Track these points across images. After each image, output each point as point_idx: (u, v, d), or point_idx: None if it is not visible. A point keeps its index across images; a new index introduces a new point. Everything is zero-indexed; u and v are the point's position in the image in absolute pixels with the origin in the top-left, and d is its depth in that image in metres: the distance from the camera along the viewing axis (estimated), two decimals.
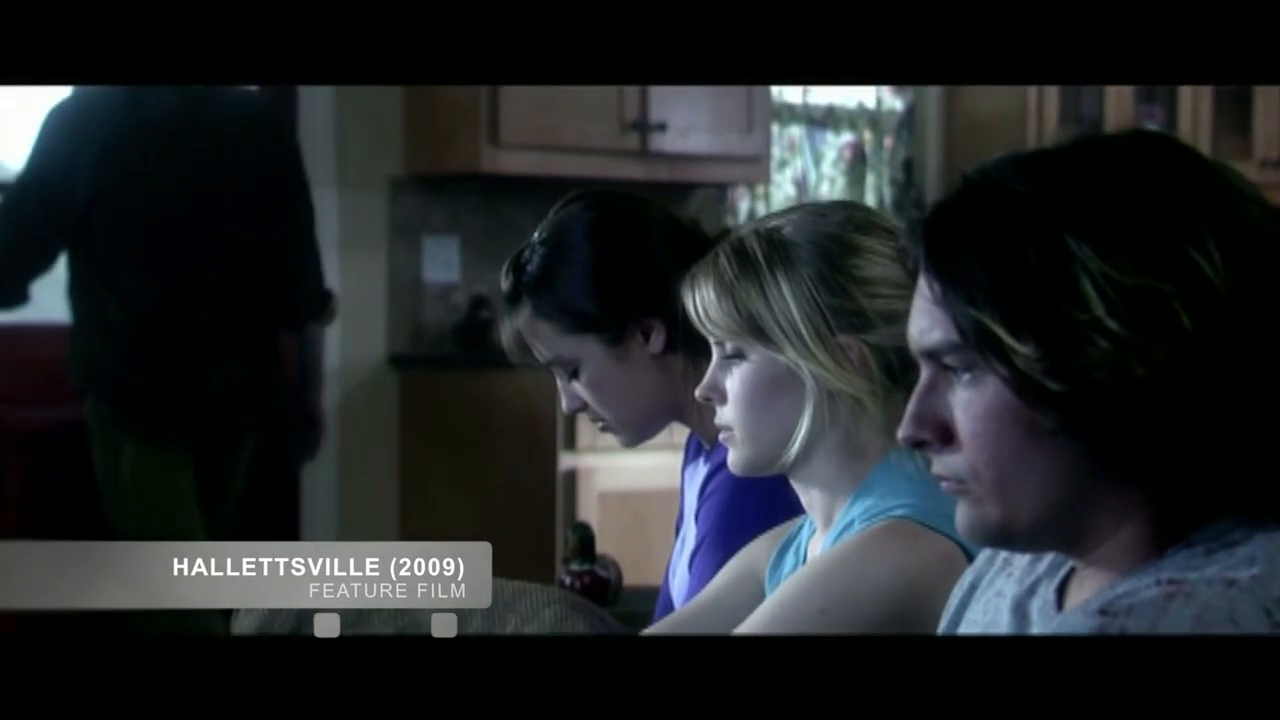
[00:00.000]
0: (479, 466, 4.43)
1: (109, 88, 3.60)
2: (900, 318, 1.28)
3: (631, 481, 4.24)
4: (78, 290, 3.52)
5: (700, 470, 1.94)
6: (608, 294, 1.94)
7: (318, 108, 4.44)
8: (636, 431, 1.98)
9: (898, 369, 1.54)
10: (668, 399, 1.95)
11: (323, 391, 3.84)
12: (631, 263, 1.95)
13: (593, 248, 1.95)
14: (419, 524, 4.58)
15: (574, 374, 1.96)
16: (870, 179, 5.52)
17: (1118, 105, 5.57)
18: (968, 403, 1.16)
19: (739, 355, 1.60)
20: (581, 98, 4.55)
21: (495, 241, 4.76)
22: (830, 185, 5.46)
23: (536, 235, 1.99)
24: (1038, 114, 5.42)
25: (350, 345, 4.52)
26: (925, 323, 1.18)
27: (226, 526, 3.70)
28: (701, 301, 1.62)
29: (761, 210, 5.31)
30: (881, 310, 1.56)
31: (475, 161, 4.45)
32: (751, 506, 1.76)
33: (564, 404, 2.00)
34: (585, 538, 2.28)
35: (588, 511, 4.25)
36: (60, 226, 3.44)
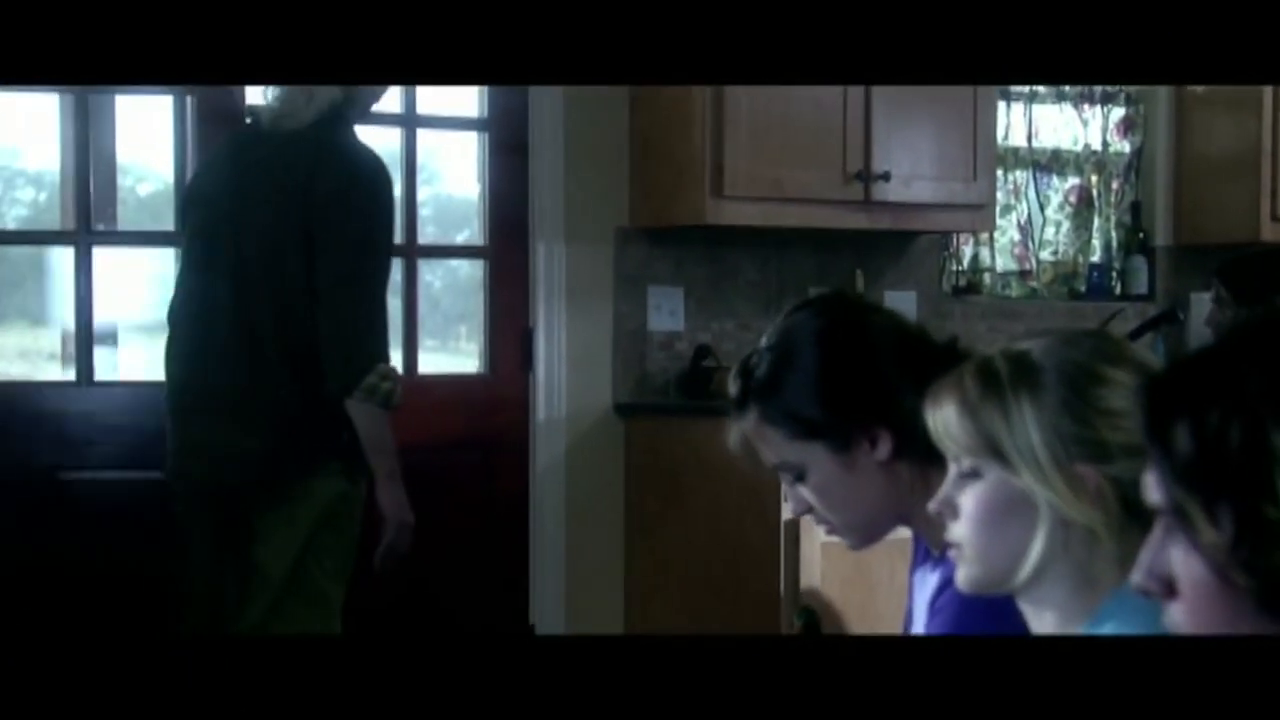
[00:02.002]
0: (702, 514, 4.48)
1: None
2: (1142, 452, 1.29)
3: None
4: None
5: (930, 578, 1.96)
6: (834, 401, 1.96)
7: (546, 163, 4.54)
8: (862, 536, 2.01)
9: (1135, 503, 1.52)
10: (894, 505, 1.97)
11: (385, 483, 3.40)
12: (858, 371, 1.97)
13: (820, 355, 1.97)
14: (643, 570, 4.65)
15: (800, 478, 2.00)
16: (1096, 223, 5.45)
17: None
18: (1185, 566, 1.17)
19: (975, 474, 1.61)
20: (804, 148, 4.57)
21: (719, 291, 4.82)
22: (1056, 229, 5.42)
23: (764, 341, 2.03)
24: (1271, 154, 5.30)
25: (577, 393, 4.61)
26: (1150, 480, 1.20)
27: (253, 609, 3.38)
28: (943, 419, 1.63)
29: (985, 256, 5.28)
30: (1123, 443, 1.55)
31: (700, 213, 4.50)
32: (979, 626, 1.78)
33: (790, 507, 2.03)
34: (810, 624, 2.32)
35: (810, 561, 4.26)
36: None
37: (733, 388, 2.03)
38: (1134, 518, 1.54)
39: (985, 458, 1.60)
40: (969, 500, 1.62)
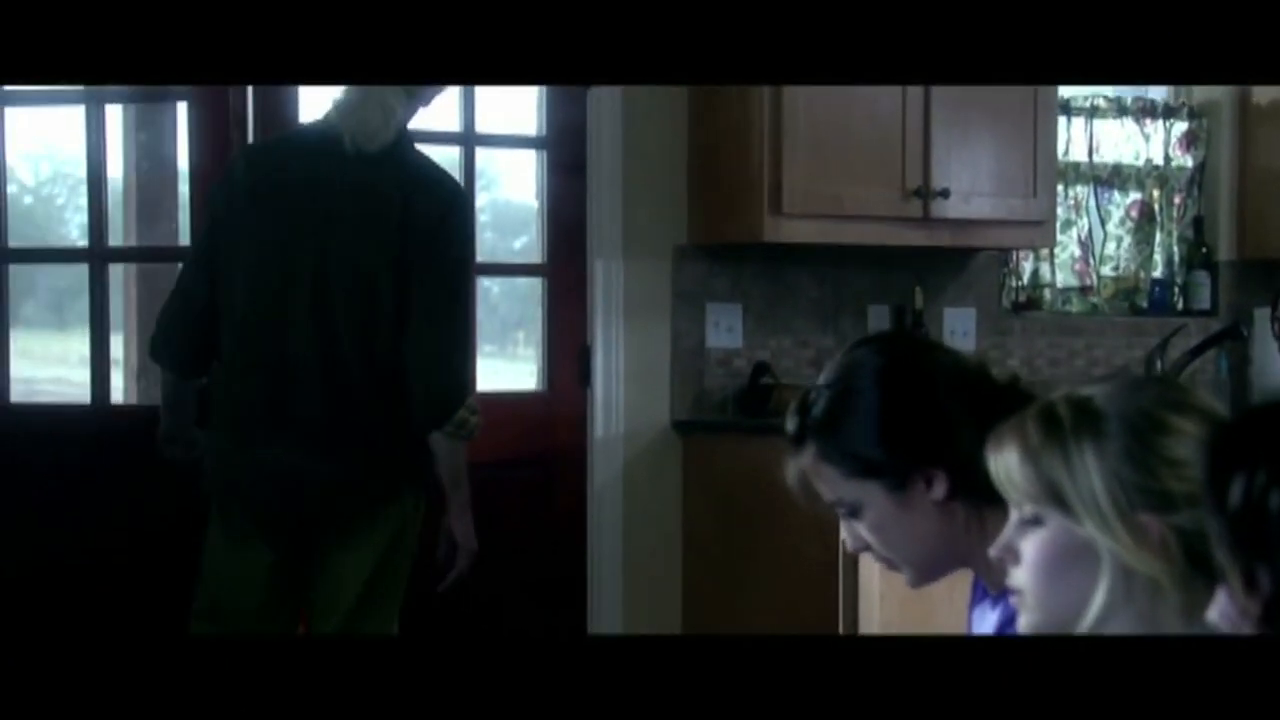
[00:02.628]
0: (760, 531, 4.47)
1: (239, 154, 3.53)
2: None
3: None
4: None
5: (989, 616, 1.95)
6: (893, 442, 1.96)
7: (605, 180, 4.54)
8: (920, 573, 2.00)
9: (1200, 553, 1.50)
10: (950, 544, 1.96)
11: (460, 513, 3.43)
12: (918, 412, 1.96)
13: (880, 396, 1.97)
14: (702, 588, 4.64)
15: (856, 515, 2.00)
16: (1158, 237, 5.41)
17: None
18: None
19: (1037, 521, 1.60)
20: (863, 165, 4.56)
21: (777, 307, 4.81)
22: (1117, 245, 5.38)
23: (823, 378, 2.02)
24: None
25: (635, 410, 4.61)
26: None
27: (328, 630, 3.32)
28: (1005, 465, 1.62)
29: (1045, 272, 5.25)
30: (1188, 493, 1.53)
31: (758, 231, 4.50)
32: None
33: (848, 543, 2.03)
34: None
35: (869, 579, 4.25)
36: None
37: (790, 424, 2.02)
38: (1198, 568, 1.52)
39: (1047, 505, 1.59)
40: (1030, 547, 1.61)
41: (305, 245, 3.27)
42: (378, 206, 3.25)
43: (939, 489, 1.95)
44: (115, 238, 4.16)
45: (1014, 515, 1.63)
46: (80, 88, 3.97)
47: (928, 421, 1.96)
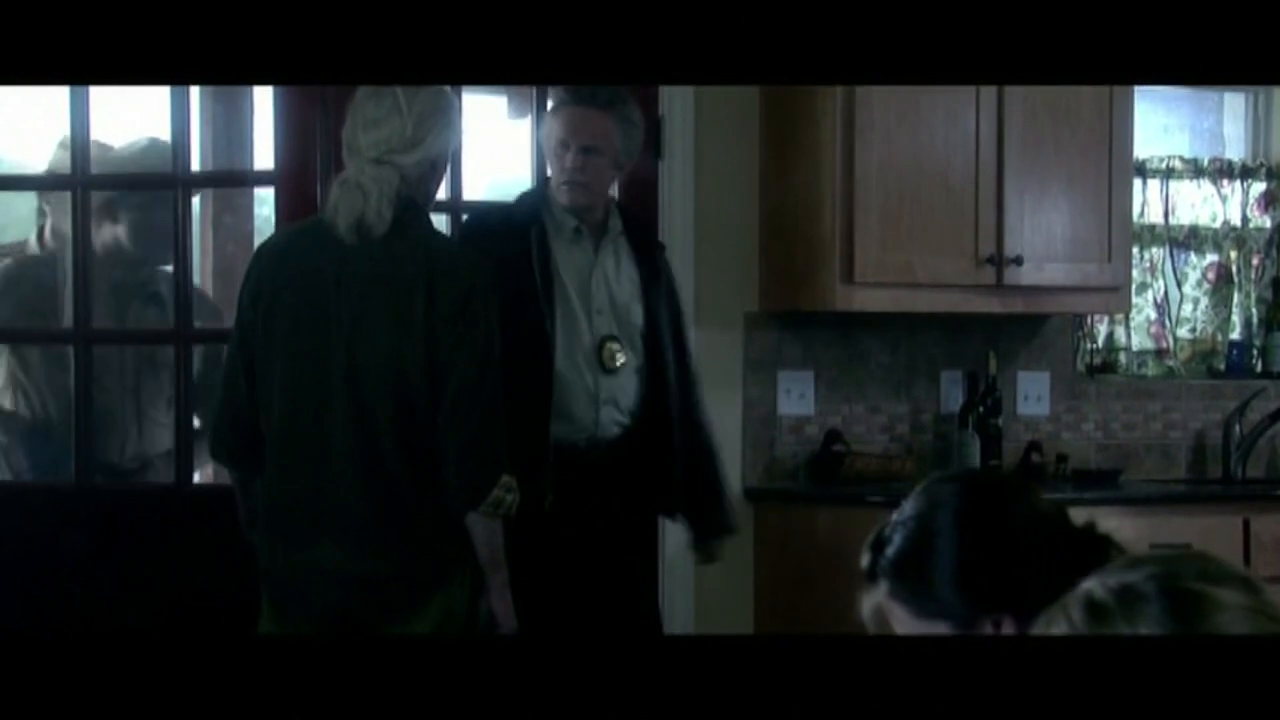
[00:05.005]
0: (832, 598, 4.45)
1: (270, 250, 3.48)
2: None
3: None
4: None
5: None
6: (964, 589, 1.95)
7: (677, 248, 4.54)
8: None
9: None
10: None
11: (500, 593, 3.36)
12: (993, 561, 1.95)
13: (955, 541, 1.96)
14: None
15: None
16: (1236, 299, 5.36)
17: None
18: None
19: None
20: (936, 233, 4.56)
21: (849, 374, 4.80)
22: (1194, 306, 5.33)
23: (897, 514, 2.01)
24: None
25: None
26: None
27: None
28: None
29: (1120, 335, 5.21)
30: None
31: (830, 300, 4.50)
32: None
33: None
34: None
35: None
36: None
37: (863, 559, 2.02)
38: None
39: None
40: None
41: (334, 346, 3.28)
42: (401, 297, 3.26)
43: (1006, 632, 1.94)
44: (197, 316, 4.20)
45: None
46: (168, 173, 4.00)
47: (1001, 570, 1.95)
